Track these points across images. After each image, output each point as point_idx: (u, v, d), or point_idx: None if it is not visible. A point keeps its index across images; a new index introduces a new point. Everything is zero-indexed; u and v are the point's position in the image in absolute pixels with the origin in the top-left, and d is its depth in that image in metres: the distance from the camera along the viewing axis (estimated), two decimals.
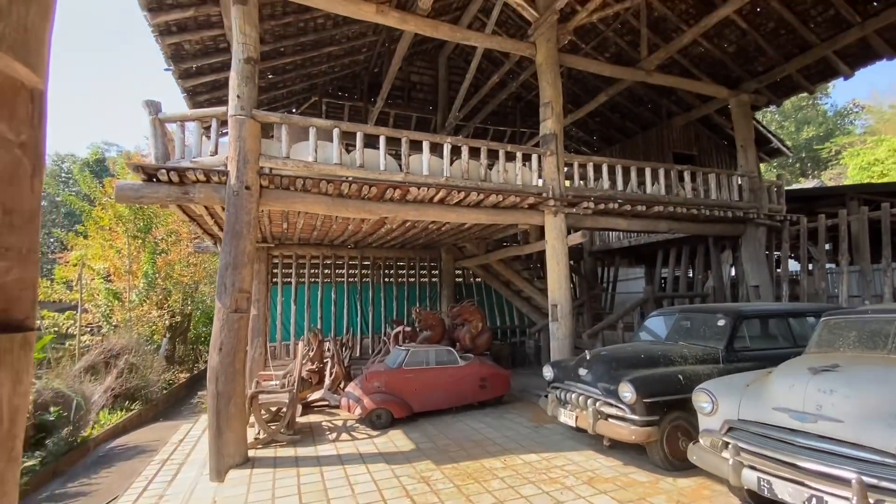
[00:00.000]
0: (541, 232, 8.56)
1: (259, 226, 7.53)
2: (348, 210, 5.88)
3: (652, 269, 13.38)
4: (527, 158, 7.24)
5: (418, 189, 5.92)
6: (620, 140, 13.44)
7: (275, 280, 9.78)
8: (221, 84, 8.01)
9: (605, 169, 7.49)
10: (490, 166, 6.81)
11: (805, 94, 9.95)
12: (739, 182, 8.83)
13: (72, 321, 12.20)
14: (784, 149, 12.18)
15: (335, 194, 5.73)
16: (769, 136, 11.77)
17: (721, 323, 5.06)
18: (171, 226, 14.35)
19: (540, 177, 7.12)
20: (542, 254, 11.75)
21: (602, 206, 7.08)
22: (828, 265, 8.74)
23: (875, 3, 7.24)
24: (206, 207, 5.79)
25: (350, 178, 5.71)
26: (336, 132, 5.78)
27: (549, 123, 7.07)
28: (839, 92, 38.63)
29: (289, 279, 9.94)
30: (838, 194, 10.18)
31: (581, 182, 7.38)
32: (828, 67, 8.63)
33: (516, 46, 7.48)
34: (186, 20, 6.54)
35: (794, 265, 10.41)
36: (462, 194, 6.21)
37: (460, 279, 11.62)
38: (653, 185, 7.85)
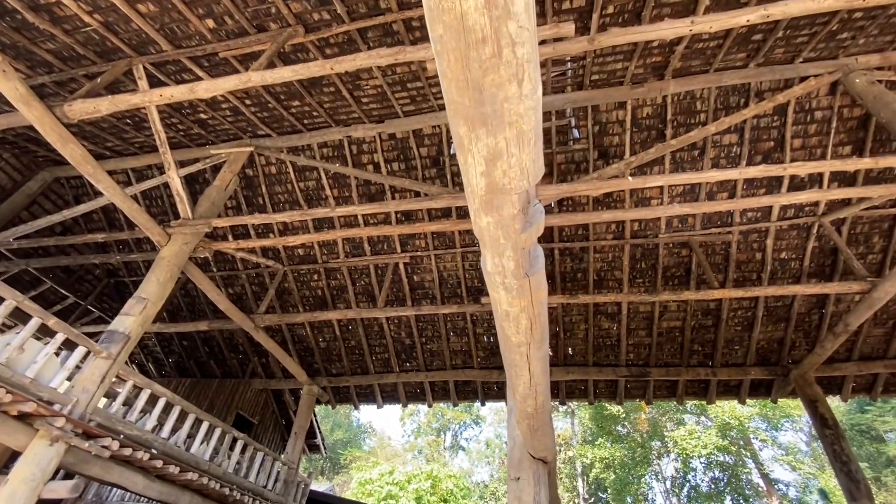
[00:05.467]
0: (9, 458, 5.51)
1: None
2: None
3: None
4: (70, 346, 5.23)
5: None
6: (195, 376, 12.07)
7: None
8: None
9: (160, 403, 6.11)
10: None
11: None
12: (279, 470, 8.77)
13: None
14: (323, 448, 13.54)
15: None
16: (318, 431, 13.06)
17: None
18: None
19: (69, 379, 5.07)
20: None
21: (128, 452, 5.33)
22: None
23: (407, 362, 10.42)
24: None
25: None
26: None
27: (131, 321, 5.66)
28: (364, 410, 49.89)
29: None
30: None
31: (123, 408, 5.64)
32: (371, 393, 11.10)
33: (149, 226, 6.50)
34: None
35: None
36: None
37: None
38: (202, 443, 6.78)
